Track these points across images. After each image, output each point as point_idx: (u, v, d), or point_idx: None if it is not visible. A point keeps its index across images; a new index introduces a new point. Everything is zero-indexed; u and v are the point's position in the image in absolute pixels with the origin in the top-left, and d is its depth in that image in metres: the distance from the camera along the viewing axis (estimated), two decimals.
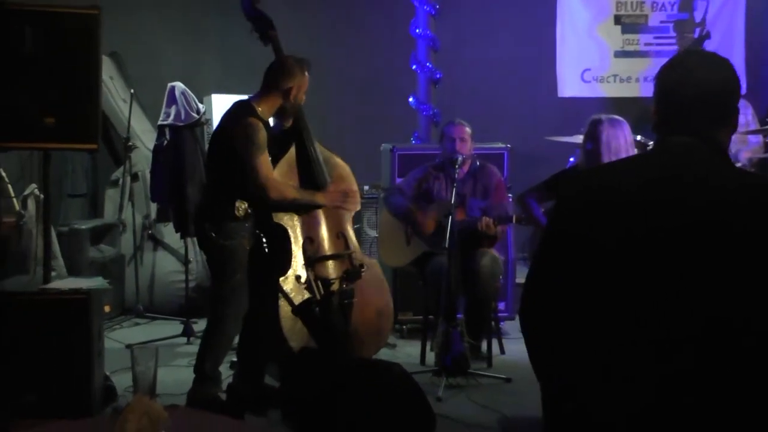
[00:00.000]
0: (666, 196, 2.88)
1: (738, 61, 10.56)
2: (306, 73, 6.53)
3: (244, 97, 6.66)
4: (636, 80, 10.98)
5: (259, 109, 6.41)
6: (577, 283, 2.94)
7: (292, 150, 6.66)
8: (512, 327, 8.62)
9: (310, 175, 6.65)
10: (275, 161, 6.53)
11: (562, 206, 3.26)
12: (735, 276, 2.72)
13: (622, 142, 6.97)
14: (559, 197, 3.43)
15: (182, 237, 8.99)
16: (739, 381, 2.69)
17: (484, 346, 7.93)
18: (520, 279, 9.11)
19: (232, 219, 6.42)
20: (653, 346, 2.74)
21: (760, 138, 9.68)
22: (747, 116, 9.94)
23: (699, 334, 2.70)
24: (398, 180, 8.55)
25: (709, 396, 2.71)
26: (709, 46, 10.82)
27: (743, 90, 10.38)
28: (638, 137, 8.61)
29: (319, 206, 6.65)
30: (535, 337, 3.12)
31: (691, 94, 3.05)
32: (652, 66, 11.03)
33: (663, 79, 3.11)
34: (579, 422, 2.94)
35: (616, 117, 7.20)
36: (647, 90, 10.99)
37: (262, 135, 6.28)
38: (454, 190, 7.47)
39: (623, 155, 6.88)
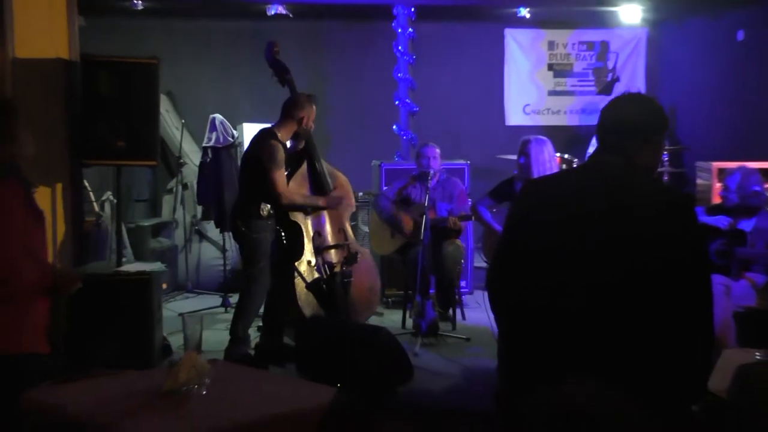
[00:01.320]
0: (580, 196, 3.10)
1: None
2: (313, 106, 6.57)
3: (268, 125, 6.65)
4: (564, 113, 11.00)
5: (279, 134, 6.42)
6: (523, 252, 3.17)
7: (304, 165, 6.69)
8: (471, 300, 8.61)
9: (317, 184, 6.67)
10: (291, 174, 6.57)
11: (517, 205, 3.43)
12: (618, 247, 2.93)
13: (546, 156, 7.06)
14: (516, 201, 3.64)
15: (221, 231, 9.04)
16: (614, 316, 2.88)
17: (450, 313, 7.84)
18: (477, 263, 9.09)
19: (258, 217, 6.46)
20: (562, 290, 2.97)
21: None
22: None
23: (590, 283, 2.93)
24: (384, 188, 8.51)
25: (593, 326, 2.90)
26: (619, 87, 10.84)
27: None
28: (565, 155, 8.57)
29: (323, 208, 6.65)
30: (495, 289, 3.31)
31: (611, 123, 3.17)
32: (575, 102, 11.05)
33: (601, 113, 3.21)
34: (515, 342, 3.16)
35: (541, 137, 7.30)
36: (572, 120, 11.03)
37: (281, 154, 6.32)
38: (428, 195, 7.46)
39: (547, 166, 7.04)
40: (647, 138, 3.13)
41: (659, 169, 9.56)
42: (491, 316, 3.31)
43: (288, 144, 6.52)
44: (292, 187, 6.52)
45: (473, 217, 7.58)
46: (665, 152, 9.71)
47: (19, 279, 3.82)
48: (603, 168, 3.20)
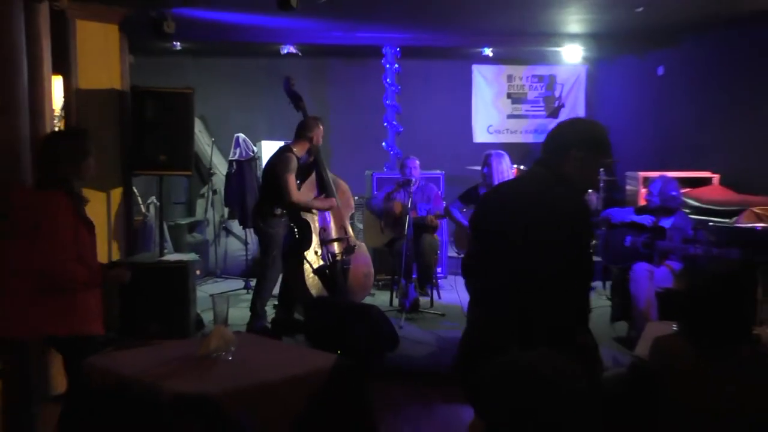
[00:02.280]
0: (512, 198, 3.21)
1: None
2: (321, 126, 6.58)
3: (281, 142, 6.74)
4: (520, 132, 10.97)
5: (294, 149, 6.42)
6: (476, 244, 3.34)
7: (313, 174, 6.67)
8: (446, 283, 8.55)
9: (323, 189, 6.64)
10: (303, 181, 6.56)
11: (476, 207, 3.47)
12: (528, 240, 3.00)
13: (504, 167, 7.22)
14: (477, 204, 3.60)
15: (243, 228, 9.05)
16: (527, 293, 2.98)
17: (428, 294, 7.83)
18: (450, 253, 9.10)
19: (273, 216, 6.50)
20: (493, 274, 3.11)
21: None
22: None
23: (511, 268, 3.03)
24: (375, 192, 8.51)
25: (516, 301, 3.02)
26: (564, 111, 10.82)
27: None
28: (521, 167, 8.57)
29: (328, 208, 6.62)
30: (465, 274, 3.36)
31: (546, 140, 3.19)
32: (529, 124, 11.02)
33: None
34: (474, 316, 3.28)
35: (500, 151, 7.44)
36: (526, 138, 10.99)
37: (294, 164, 6.31)
38: (410, 198, 7.46)
39: (506, 174, 7.18)
40: (568, 153, 3.08)
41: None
42: (462, 296, 3.38)
43: (303, 157, 6.53)
44: (303, 191, 6.50)
45: (447, 216, 7.60)
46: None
47: (70, 279, 3.79)
48: (530, 176, 3.28)
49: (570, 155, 3.08)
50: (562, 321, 2.97)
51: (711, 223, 6.61)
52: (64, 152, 3.90)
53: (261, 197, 6.72)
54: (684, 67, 9.19)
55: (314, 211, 6.53)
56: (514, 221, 3.09)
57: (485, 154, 7.32)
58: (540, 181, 3.17)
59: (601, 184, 9.62)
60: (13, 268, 3.80)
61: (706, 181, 8.05)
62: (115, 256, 6.75)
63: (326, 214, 6.68)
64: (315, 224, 6.56)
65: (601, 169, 3.27)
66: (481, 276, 3.24)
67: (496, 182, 7.03)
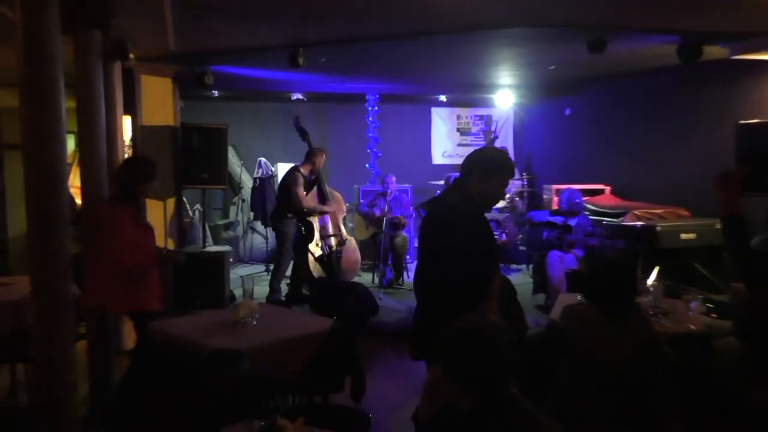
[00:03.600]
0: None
1: (510, 148, 10.60)
2: (323, 155, 6.65)
3: (292, 164, 6.71)
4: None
5: (301, 169, 6.47)
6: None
7: (315, 187, 6.64)
8: (412, 267, 8.44)
9: (322, 198, 6.65)
10: (308, 192, 6.55)
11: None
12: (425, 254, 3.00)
13: None
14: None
15: (264, 227, 9.00)
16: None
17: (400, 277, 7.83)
18: (416, 244, 9.08)
19: (285, 218, 6.51)
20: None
21: (519, 182, 9.65)
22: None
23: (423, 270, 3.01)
24: (362, 200, 8.49)
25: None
26: (498, 142, 10.79)
27: (512, 159, 10.39)
28: None
29: (326, 212, 6.61)
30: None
31: (461, 166, 3.09)
32: (470, 151, 10.98)
33: None
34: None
35: (457, 174, 7.23)
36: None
37: (301, 180, 6.37)
38: (387, 205, 7.45)
39: None
40: (471, 172, 2.99)
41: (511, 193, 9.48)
42: None
43: (308, 175, 6.57)
44: (308, 199, 6.51)
45: (414, 216, 7.60)
46: (524, 179, 9.73)
47: (130, 267, 3.79)
48: (444, 191, 3.24)
49: (474, 173, 2.98)
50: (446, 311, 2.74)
51: (604, 222, 6.65)
52: (138, 175, 3.92)
53: (277, 204, 6.72)
54: (585, 109, 9.24)
55: (316, 214, 6.54)
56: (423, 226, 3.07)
57: (447, 176, 7.33)
58: (443, 196, 3.14)
59: (525, 194, 9.68)
60: (96, 260, 3.83)
61: (600, 192, 8.10)
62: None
63: (325, 216, 6.68)
64: (316, 224, 6.58)
65: (502, 186, 3.07)
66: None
67: None
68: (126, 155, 6.03)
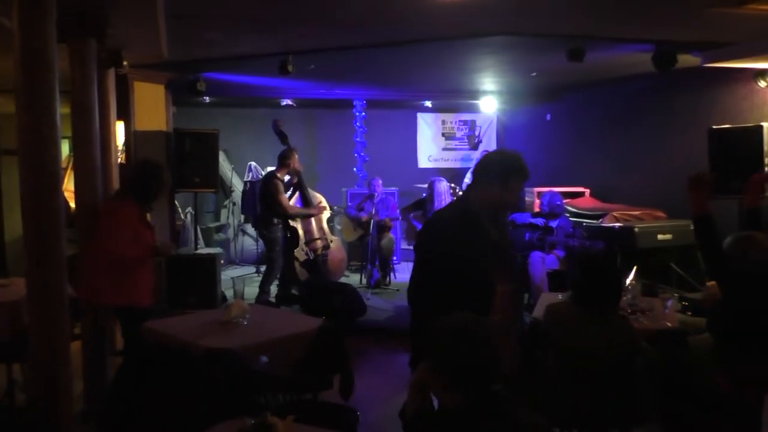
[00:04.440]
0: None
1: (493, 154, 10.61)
2: (295, 154, 6.45)
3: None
4: (451, 161, 10.94)
5: (278, 174, 6.40)
6: None
7: (298, 192, 6.61)
8: (399, 267, 8.52)
9: (305, 201, 6.61)
10: (290, 196, 6.52)
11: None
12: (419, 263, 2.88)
13: (443, 189, 7.11)
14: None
15: (255, 229, 8.85)
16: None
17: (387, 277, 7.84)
18: (403, 246, 9.09)
19: (272, 225, 6.43)
20: None
21: None
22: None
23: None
24: (350, 203, 8.49)
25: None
26: (481, 145, 10.85)
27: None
28: (452, 185, 8.59)
29: (310, 215, 6.59)
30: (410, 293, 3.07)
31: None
32: (456, 154, 11.01)
33: None
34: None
35: (440, 177, 7.46)
36: (455, 165, 10.94)
37: (281, 187, 6.30)
38: (374, 208, 7.46)
39: (444, 194, 7.05)
40: (476, 178, 2.86)
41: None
42: None
43: (287, 178, 6.48)
44: (291, 204, 6.48)
45: (400, 219, 7.60)
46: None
47: (127, 258, 3.75)
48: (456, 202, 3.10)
49: (478, 181, 2.85)
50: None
51: (584, 224, 6.69)
52: (160, 182, 3.93)
53: (261, 212, 6.61)
54: (565, 114, 9.31)
55: (297, 219, 6.50)
56: None
57: (430, 179, 7.31)
58: (453, 204, 3.05)
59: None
60: (92, 253, 3.84)
61: (580, 194, 8.14)
62: None
63: (310, 221, 6.65)
64: (300, 230, 6.56)
65: (518, 191, 2.86)
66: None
67: (437, 199, 7.04)
68: (119, 160, 6.00)
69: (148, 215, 4.04)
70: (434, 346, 1.95)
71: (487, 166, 2.84)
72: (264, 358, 3.02)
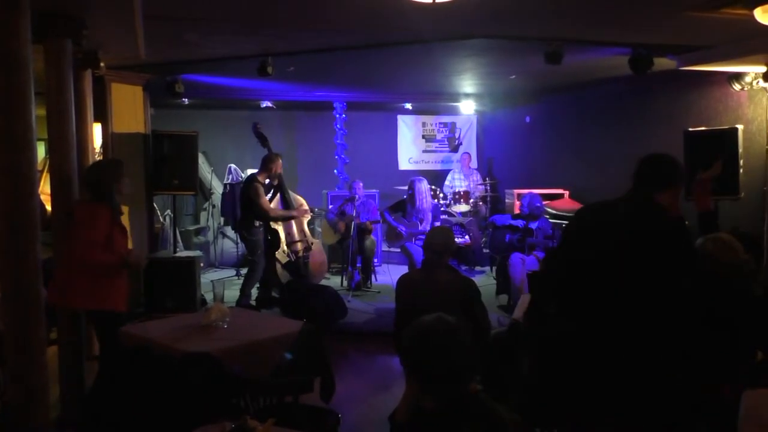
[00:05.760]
0: None
1: (473, 154, 10.69)
2: (279, 160, 6.45)
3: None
4: (431, 162, 10.98)
5: (259, 178, 6.35)
6: None
7: (279, 194, 6.57)
8: (380, 270, 8.42)
9: (286, 204, 6.57)
10: (271, 199, 6.47)
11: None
12: None
13: (424, 189, 7.14)
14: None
15: (235, 232, 8.79)
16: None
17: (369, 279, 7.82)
18: (384, 248, 9.06)
19: (253, 227, 6.38)
20: None
21: (482, 187, 9.71)
22: (477, 175, 10.01)
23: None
24: (330, 206, 8.47)
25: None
26: (462, 148, 10.89)
27: (475, 165, 10.48)
28: (432, 186, 8.63)
29: (291, 218, 6.56)
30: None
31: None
32: (437, 156, 11.05)
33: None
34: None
35: (420, 177, 7.43)
36: (435, 167, 10.95)
37: (262, 191, 6.26)
38: (355, 210, 7.45)
39: (425, 194, 7.05)
40: (668, 181, 2.61)
41: (477, 195, 9.65)
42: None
43: (267, 181, 6.44)
44: (273, 206, 6.44)
45: (382, 221, 7.59)
46: (487, 185, 9.78)
47: (97, 264, 3.70)
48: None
49: (659, 186, 2.59)
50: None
51: (564, 225, 6.74)
52: (105, 174, 3.85)
53: (242, 215, 6.56)
54: (544, 117, 9.39)
55: (279, 222, 6.47)
56: None
57: (411, 179, 7.32)
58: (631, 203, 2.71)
59: (488, 199, 9.77)
60: (66, 256, 3.79)
61: (559, 196, 8.22)
62: None
63: (290, 223, 6.63)
64: (281, 232, 6.54)
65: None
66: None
67: (418, 199, 7.06)
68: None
69: (122, 218, 4.00)
70: (402, 351, 1.97)
71: (674, 170, 2.60)
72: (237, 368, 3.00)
